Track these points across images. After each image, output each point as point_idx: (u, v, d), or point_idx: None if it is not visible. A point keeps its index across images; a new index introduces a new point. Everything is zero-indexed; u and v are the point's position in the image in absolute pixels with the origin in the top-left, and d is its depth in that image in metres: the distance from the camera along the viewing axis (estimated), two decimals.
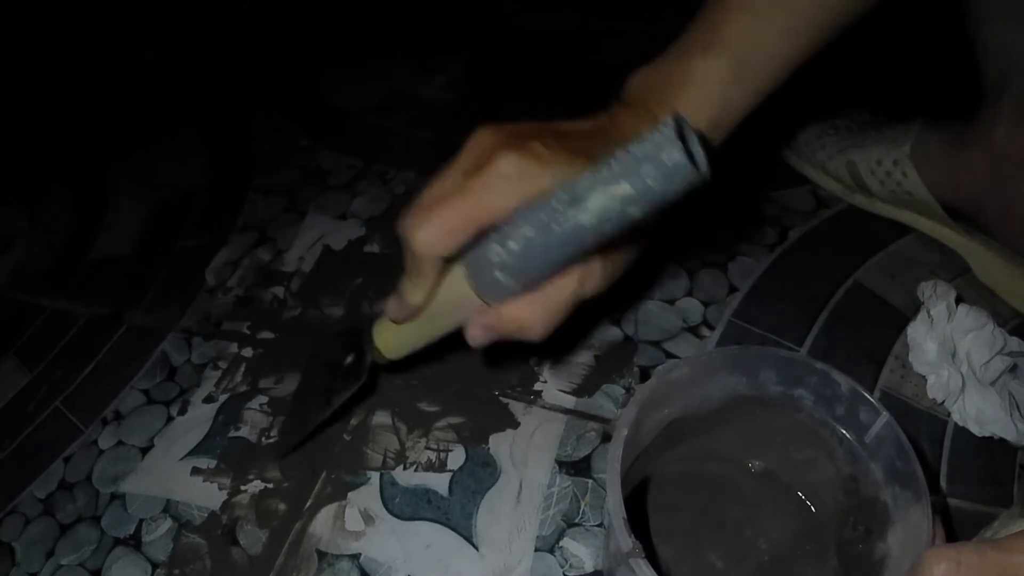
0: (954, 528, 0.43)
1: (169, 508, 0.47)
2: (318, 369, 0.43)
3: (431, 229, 0.29)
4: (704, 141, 0.25)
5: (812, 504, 0.39)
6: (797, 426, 0.37)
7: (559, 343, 0.54)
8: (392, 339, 0.37)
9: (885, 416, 0.33)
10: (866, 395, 0.33)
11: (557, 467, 0.47)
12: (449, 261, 0.32)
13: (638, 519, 0.39)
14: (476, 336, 0.33)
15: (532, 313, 0.32)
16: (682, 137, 0.24)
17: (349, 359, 0.39)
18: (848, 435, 0.35)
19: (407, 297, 0.33)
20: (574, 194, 0.27)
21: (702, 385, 0.36)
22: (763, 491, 0.40)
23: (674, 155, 0.23)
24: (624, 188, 0.25)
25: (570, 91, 0.81)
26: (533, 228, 0.28)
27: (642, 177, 0.24)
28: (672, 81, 0.36)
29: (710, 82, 0.35)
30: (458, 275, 0.32)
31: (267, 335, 0.58)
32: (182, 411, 0.53)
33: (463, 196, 0.29)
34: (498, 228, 0.30)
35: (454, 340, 0.36)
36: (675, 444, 0.39)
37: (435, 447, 0.49)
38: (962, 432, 0.47)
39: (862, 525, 0.35)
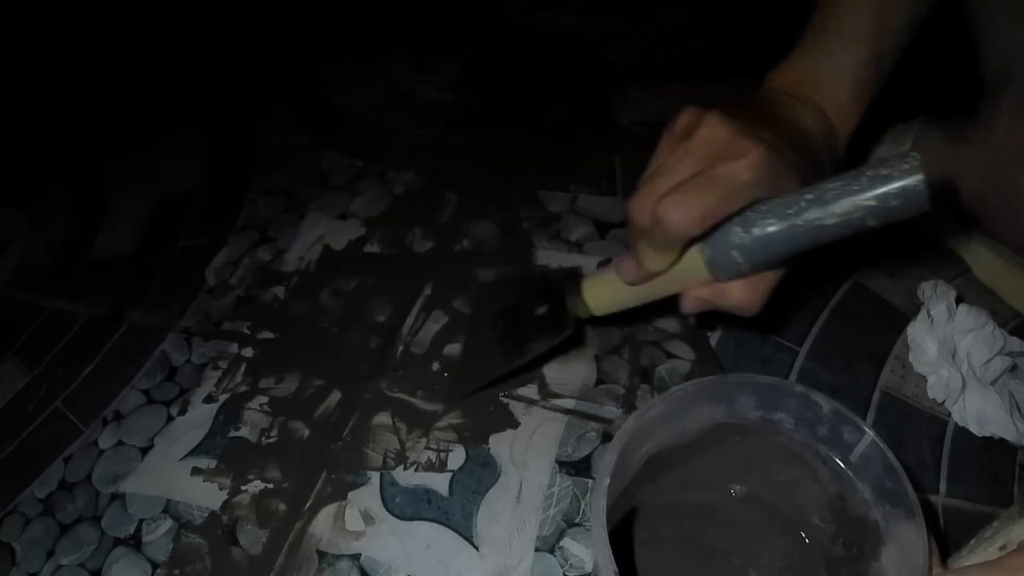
0: (954, 529, 0.43)
1: (169, 508, 0.47)
2: (500, 318, 0.44)
3: (689, 212, 0.31)
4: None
5: (799, 526, 0.39)
6: (778, 449, 0.37)
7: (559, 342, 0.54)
8: (606, 297, 0.39)
9: (869, 435, 0.33)
10: (849, 415, 0.33)
11: (557, 467, 0.47)
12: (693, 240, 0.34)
13: (625, 553, 0.39)
14: (691, 305, 0.37)
15: (751, 294, 0.35)
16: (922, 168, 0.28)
17: (543, 310, 0.41)
18: (832, 455, 0.35)
19: (646, 264, 0.35)
20: (823, 198, 0.30)
21: (680, 418, 0.36)
22: (748, 515, 0.40)
23: (919, 184, 0.28)
24: (870, 202, 0.29)
25: (570, 91, 0.81)
26: (777, 219, 0.32)
27: (887, 195, 0.29)
28: (825, 73, 0.38)
29: (856, 74, 0.38)
30: (693, 250, 0.35)
31: (267, 335, 0.58)
32: (182, 411, 0.53)
33: (717, 184, 0.31)
34: (741, 213, 0.33)
35: None
36: (656, 477, 0.39)
37: (435, 447, 0.49)
38: (962, 432, 0.47)
39: (853, 545, 0.35)
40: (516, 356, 0.43)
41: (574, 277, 0.40)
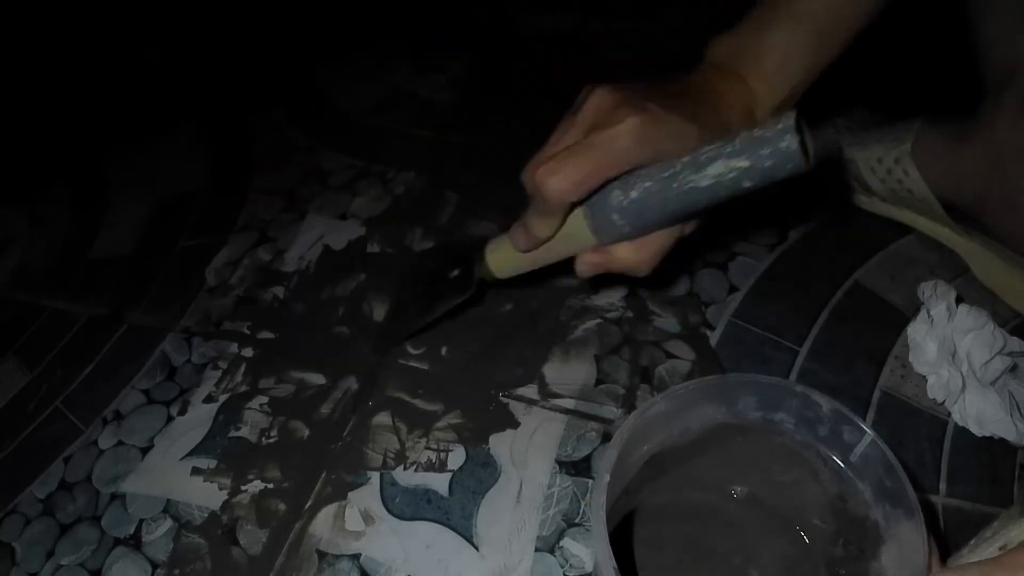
0: (954, 529, 0.43)
1: (169, 508, 0.47)
2: (419, 280, 0.49)
3: (565, 178, 0.33)
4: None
5: (800, 526, 0.39)
6: (779, 449, 0.37)
7: (558, 340, 0.54)
8: (505, 262, 0.41)
9: (870, 435, 0.33)
10: (849, 415, 0.33)
11: (557, 467, 0.47)
12: (574, 205, 0.35)
13: (625, 554, 0.39)
14: (584, 270, 0.38)
15: (639, 255, 0.36)
16: (799, 130, 0.28)
17: (455, 272, 0.44)
18: (832, 455, 0.35)
19: (535, 231, 0.37)
20: (698, 161, 0.31)
21: (681, 418, 0.36)
22: (748, 516, 0.40)
23: (792, 144, 0.28)
24: (742, 163, 0.30)
25: (570, 91, 0.81)
26: (655, 182, 0.33)
27: (760, 156, 0.29)
28: (758, 48, 0.39)
29: (793, 50, 0.38)
30: (578, 215, 0.36)
31: (267, 335, 0.58)
32: (182, 411, 0.53)
33: (593, 150, 0.33)
34: (621, 178, 0.34)
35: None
36: (657, 477, 0.39)
37: (435, 447, 0.49)
38: (962, 432, 0.47)
39: (854, 545, 0.35)
40: (425, 314, 0.48)
41: (480, 244, 0.43)
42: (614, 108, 0.33)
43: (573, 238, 0.37)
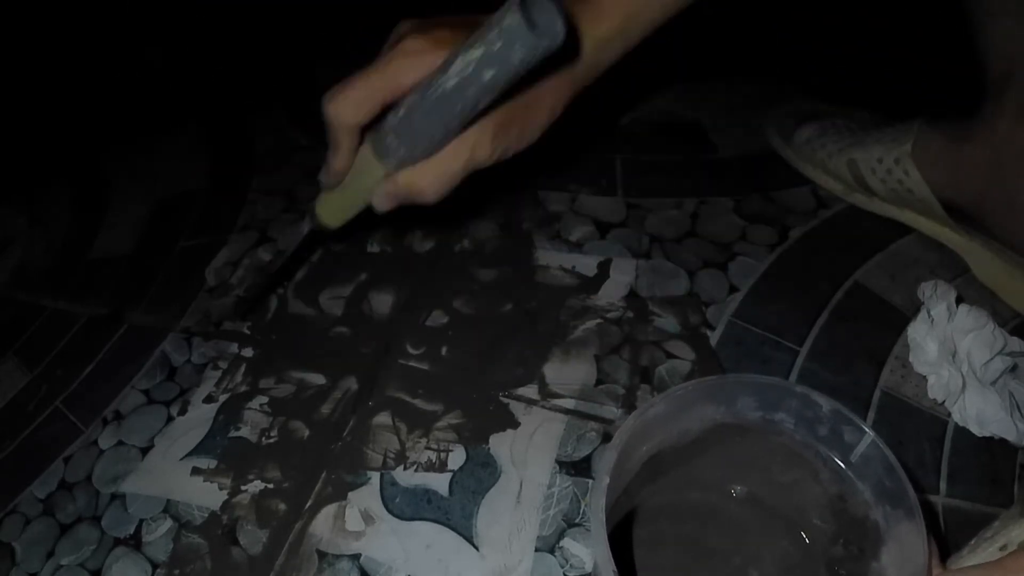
0: (954, 529, 0.43)
1: (169, 508, 0.47)
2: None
3: (342, 101, 0.34)
4: (569, 20, 0.28)
5: (800, 526, 0.39)
6: (778, 449, 0.37)
7: (558, 340, 0.54)
8: (328, 208, 0.42)
9: (870, 436, 0.32)
10: (849, 415, 0.33)
11: (557, 467, 0.47)
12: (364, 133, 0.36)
13: (624, 554, 0.39)
14: (380, 203, 0.38)
15: (424, 177, 0.36)
16: (524, 5, 0.27)
17: (302, 228, 0.45)
18: (832, 456, 0.35)
19: (330, 163, 0.37)
20: (445, 63, 0.31)
21: (680, 418, 0.36)
22: (748, 516, 0.40)
23: (513, 20, 0.27)
24: (477, 51, 0.29)
25: None
26: (416, 94, 0.32)
27: (489, 41, 0.28)
28: None
29: None
30: (366, 145, 0.36)
31: (267, 335, 0.58)
32: (182, 411, 0.53)
33: (371, 72, 0.34)
34: (398, 100, 0.34)
35: None
36: (656, 477, 0.39)
37: (435, 447, 0.49)
38: (962, 432, 0.47)
39: (854, 545, 0.35)
40: (269, 266, 0.51)
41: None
42: (403, 35, 0.34)
43: (365, 170, 0.37)
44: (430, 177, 0.36)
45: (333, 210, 0.42)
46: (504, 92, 0.31)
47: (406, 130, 0.34)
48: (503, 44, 0.28)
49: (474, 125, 0.34)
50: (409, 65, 0.33)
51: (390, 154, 0.35)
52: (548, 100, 0.38)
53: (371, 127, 0.35)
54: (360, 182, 0.38)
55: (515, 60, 0.29)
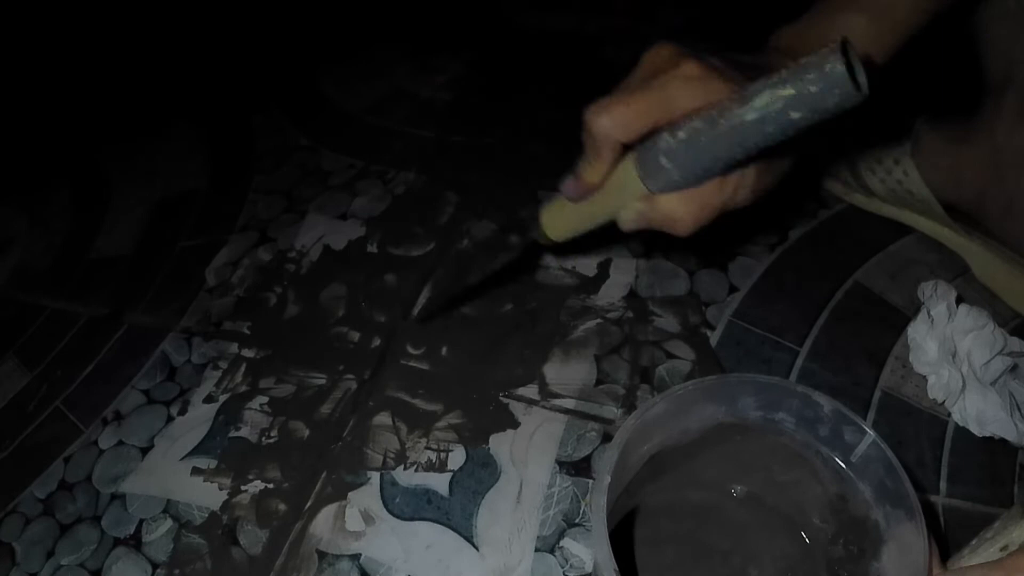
0: (954, 529, 0.43)
1: (169, 508, 0.47)
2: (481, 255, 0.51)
3: (612, 117, 0.33)
4: (868, 64, 0.28)
5: (800, 526, 0.39)
6: (779, 449, 0.37)
7: (558, 340, 0.54)
8: (558, 220, 0.40)
9: (871, 436, 0.33)
10: (850, 415, 0.33)
11: (557, 467, 0.47)
12: (627, 150, 0.35)
13: (625, 553, 0.39)
14: (629, 218, 0.36)
15: (684, 206, 0.35)
16: (846, 54, 0.27)
17: (513, 238, 0.44)
18: (833, 455, 0.35)
19: (584, 177, 0.36)
20: (744, 95, 0.30)
21: (681, 417, 0.36)
22: (748, 515, 0.40)
23: (836, 66, 0.27)
24: (788, 91, 0.28)
25: (570, 90, 0.81)
26: (702, 121, 0.31)
27: (805, 82, 0.28)
28: (818, 35, 0.39)
29: (856, 36, 0.37)
30: (628, 162, 0.35)
31: (267, 335, 0.58)
32: (182, 411, 0.53)
33: (645, 91, 0.33)
34: (673, 123, 0.33)
35: None
36: (657, 476, 0.39)
37: (435, 447, 0.49)
38: (962, 432, 0.47)
39: (854, 545, 0.35)
40: (479, 274, 0.49)
41: (538, 206, 0.42)
42: (673, 56, 0.33)
43: (623, 187, 0.36)
44: (692, 208, 0.35)
45: (565, 222, 0.40)
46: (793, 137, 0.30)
47: (683, 154, 0.33)
48: (819, 88, 0.28)
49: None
50: (689, 90, 0.32)
51: (659, 176, 0.34)
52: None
53: (634, 144, 0.34)
54: (611, 199, 0.37)
55: (829, 106, 0.28)
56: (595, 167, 0.35)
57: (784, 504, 0.39)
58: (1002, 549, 0.31)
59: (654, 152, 0.33)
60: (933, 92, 0.63)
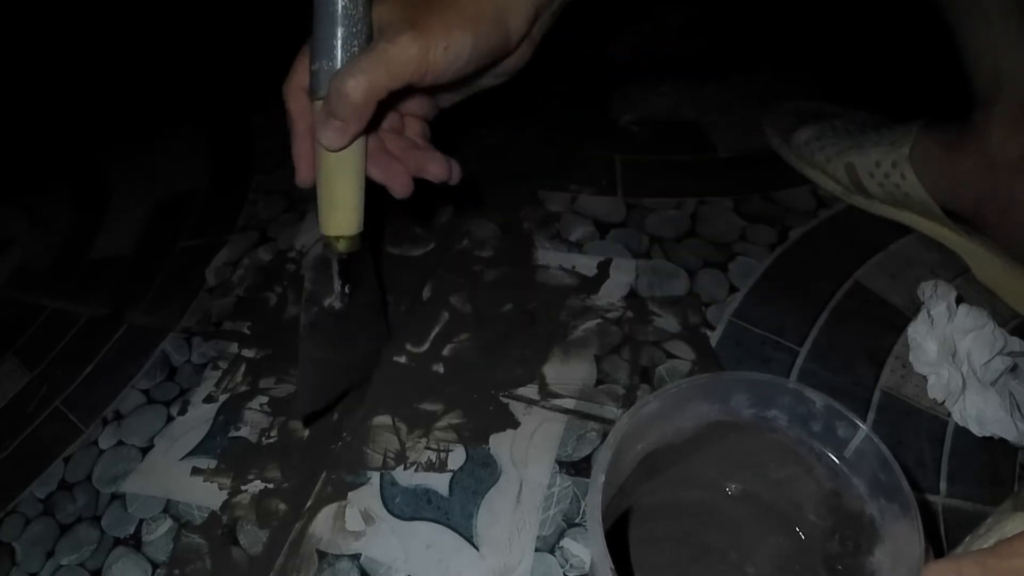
0: (954, 529, 0.43)
1: (169, 508, 0.47)
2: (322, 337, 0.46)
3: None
4: None
5: (796, 522, 0.39)
6: (773, 446, 0.37)
7: (558, 340, 0.54)
8: (330, 216, 0.39)
9: (864, 431, 0.33)
10: (843, 410, 0.33)
11: (557, 467, 0.47)
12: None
13: (621, 553, 0.39)
14: (325, 135, 0.37)
15: (342, 78, 0.34)
16: None
17: (344, 287, 0.44)
18: (826, 451, 0.35)
19: (297, 156, 0.40)
20: None
21: (674, 416, 0.36)
22: (744, 513, 0.40)
23: None
24: None
25: (570, 90, 0.81)
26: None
27: None
28: None
29: None
30: (308, 104, 0.38)
31: (267, 335, 0.58)
32: (182, 411, 0.53)
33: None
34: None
35: None
36: (652, 476, 0.39)
37: (435, 447, 0.49)
38: (962, 432, 0.47)
39: (850, 540, 0.35)
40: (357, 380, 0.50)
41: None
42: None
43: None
44: (353, 73, 0.34)
45: (336, 213, 0.39)
46: None
47: (316, 48, 0.35)
48: None
49: (392, 24, 0.33)
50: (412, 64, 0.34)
51: (320, 83, 0.35)
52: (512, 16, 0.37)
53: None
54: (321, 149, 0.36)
55: None
56: (295, 142, 0.40)
57: (779, 501, 0.39)
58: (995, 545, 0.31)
59: (310, 72, 0.37)
60: (931, 96, 0.63)
